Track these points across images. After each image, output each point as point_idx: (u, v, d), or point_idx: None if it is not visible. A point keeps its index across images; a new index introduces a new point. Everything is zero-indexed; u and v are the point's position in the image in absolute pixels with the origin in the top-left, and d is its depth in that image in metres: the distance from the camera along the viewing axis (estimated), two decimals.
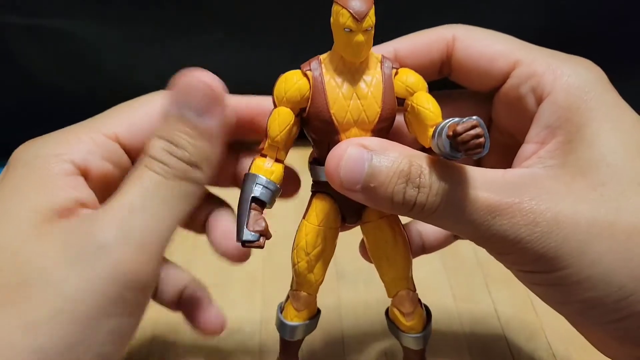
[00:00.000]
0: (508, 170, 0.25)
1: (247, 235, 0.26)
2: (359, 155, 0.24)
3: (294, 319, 0.30)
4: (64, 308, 0.21)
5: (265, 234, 0.26)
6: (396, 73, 0.26)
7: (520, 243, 0.23)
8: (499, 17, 0.51)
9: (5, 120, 0.55)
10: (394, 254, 0.28)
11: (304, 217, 0.28)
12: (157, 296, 0.32)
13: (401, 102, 0.26)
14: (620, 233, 0.23)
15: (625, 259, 0.23)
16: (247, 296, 0.42)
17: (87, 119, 0.28)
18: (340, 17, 0.24)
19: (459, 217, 0.23)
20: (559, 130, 0.25)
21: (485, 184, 0.23)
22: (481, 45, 0.27)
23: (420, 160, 0.24)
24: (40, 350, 0.20)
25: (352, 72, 0.26)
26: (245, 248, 0.26)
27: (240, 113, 0.29)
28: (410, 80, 0.26)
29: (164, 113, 0.24)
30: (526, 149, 0.26)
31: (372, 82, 0.26)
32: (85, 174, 0.26)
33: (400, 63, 0.28)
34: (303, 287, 0.29)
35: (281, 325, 0.30)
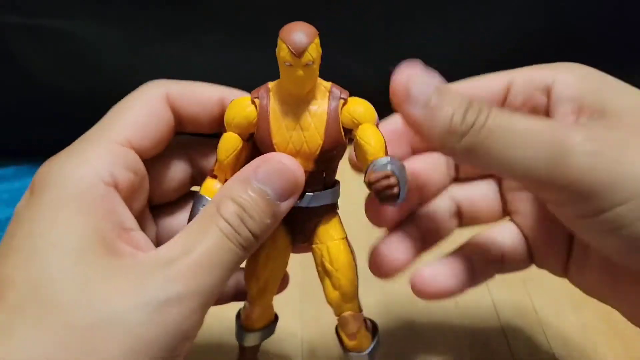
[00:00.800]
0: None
1: None
2: (428, 76, 0.25)
3: (249, 326, 0.30)
4: (139, 350, 0.21)
5: None
6: (344, 103, 0.26)
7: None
8: (499, 18, 0.51)
9: (5, 120, 0.55)
10: (340, 276, 0.28)
11: None
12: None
13: (349, 131, 0.26)
14: None
15: None
16: None
17: (87, 122, 0.28)
18: (280, 51, 0.24)
19: (514, 138, 0.24)
20: (586, 100, 0.26)
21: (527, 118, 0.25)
22: (467, 85, 0.29)
23: (480, 100, 0.25)
24: None
25: (298, 102, 0.26)
26: None
27: (179, 110, 0.29)
28: (358, 111, 0.26)
29: (244, 177, 0.25)
30: (565, 119, 0.27)
31: (316, 112, 0.26)
32: (115, 188, 0.26)
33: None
34: (256, 302, 0.29)
35: (238, 332, 0.31)
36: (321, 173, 0.27)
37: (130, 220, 0.26)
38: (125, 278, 0.23)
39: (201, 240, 0.24)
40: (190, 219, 0.27)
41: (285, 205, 0.26)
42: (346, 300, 0.29)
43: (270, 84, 0.27)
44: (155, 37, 0.51)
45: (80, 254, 0.23)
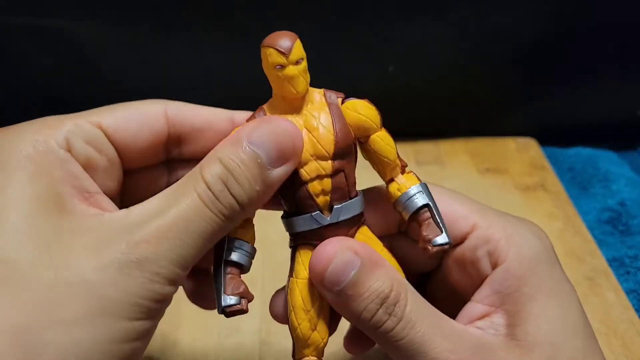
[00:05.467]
0: (468, 328, 0.26)
1: (227, 299, 0.25)
2: (350, 260, 0.24)
3: None
4: (102, 311, 0.21)
5: (245, 295, 0.25)
6: (343, 100, 0.26)
7: None
8: (499, 18, 0.51)
9: (5, 120, 0.55)
10: None
11: (291, 275, 0.27)
12: None
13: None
14: None
15: None
16: None
17: None
18: (268, 57, 0.24)
19: (415, 357, 0.24)
20: (509, 298, 0.26)
21: (448, 335, 0.25)
22: (442, 207, 0.27)
23: (402, 288, 0.25)
24: (77, 346, 0.20)
25: (297, 109, 0.26)
26: (230, 316, 0.25)
27: (181, 123, 0.28)
28: (364, 112, 0.26)
29: (237, 138, 0.24)
30: (475, 308, 0.27)
31: (319, 113, 0.26)
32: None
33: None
34: (309, 349, 0.27)
35: None
36: (342, 176, 0.26)
37: (93, 185, 0.25)
38: (88, 238, 0.22)
39: (176, 204, 0.22)
40: (214, 267, 0.26)
41: (278, 174, 0.24)
42: None
43: (264, 105, 0.26)
44: (154, 37, 0.51)
45: (35, 214, 0.22)
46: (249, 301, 0.25)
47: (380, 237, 0.28)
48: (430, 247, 0.25)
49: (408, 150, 0.57)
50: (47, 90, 0.53)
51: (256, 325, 0.40)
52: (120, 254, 0.21)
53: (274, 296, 0.29)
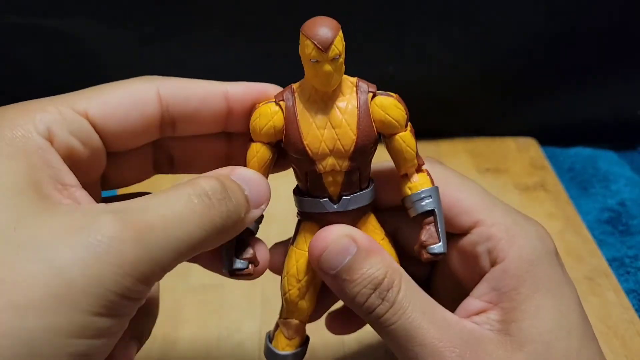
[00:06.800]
0: (462, 320, 0.26)
1: (237, 263, 0.26)
2: (346, 247, 0.25)
3: (285, 348, 0.29)
4: (66, 295, 0.19)
5: (253, 261, 0.27)
6: (373, 96, 0.25)
7: None
8: (499, 19, 0.51)
9: None
10: None
11: (292, 244, 0.28)
12: None
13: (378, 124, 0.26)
14: None
15: None
16: (247, 296, 0.42)
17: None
18: (305, 48, 0.24)
19: (405, 342, 0.25)
20: (506, 297, 0.26)
21: (439, 323, 0.25)
22: (450, 199, 0.28)
23: (396, 275, 0.26)
24: (29, 334, 0.19)
25: (325, 100, 0.25)
26: (236, 278, 0.27)
27: (237, 101, 0.27)
28: (392, 112, 0.25)
29: (222, 172, 0.25)
30: (473, 303, 0.27)
31: (346, 108, 0.25)
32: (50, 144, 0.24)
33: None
34: (294, 314, 0.28)
35: (272, 355, 0.29)
36: (356, 172, 0.26)
37: (71, 178, 0.24)
38: (63, 219, 0.21)
39: (171, 205, 0.22)
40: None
41: (252, 215, 0.25)
42: None
43: (294, 85, 0.26)
44: (155, 36, 0.51)
45: (7, 191, 0.21)
46: (256, 266, 0.27)
47: (389, 213, 0.29)
48: (424, 253, 0.26)
49: None
50: (47, 90, 0.53)
51: (256, 325, 0.40)
52: (99, 240, 0.20)
53: (272, 249, 0.30)
